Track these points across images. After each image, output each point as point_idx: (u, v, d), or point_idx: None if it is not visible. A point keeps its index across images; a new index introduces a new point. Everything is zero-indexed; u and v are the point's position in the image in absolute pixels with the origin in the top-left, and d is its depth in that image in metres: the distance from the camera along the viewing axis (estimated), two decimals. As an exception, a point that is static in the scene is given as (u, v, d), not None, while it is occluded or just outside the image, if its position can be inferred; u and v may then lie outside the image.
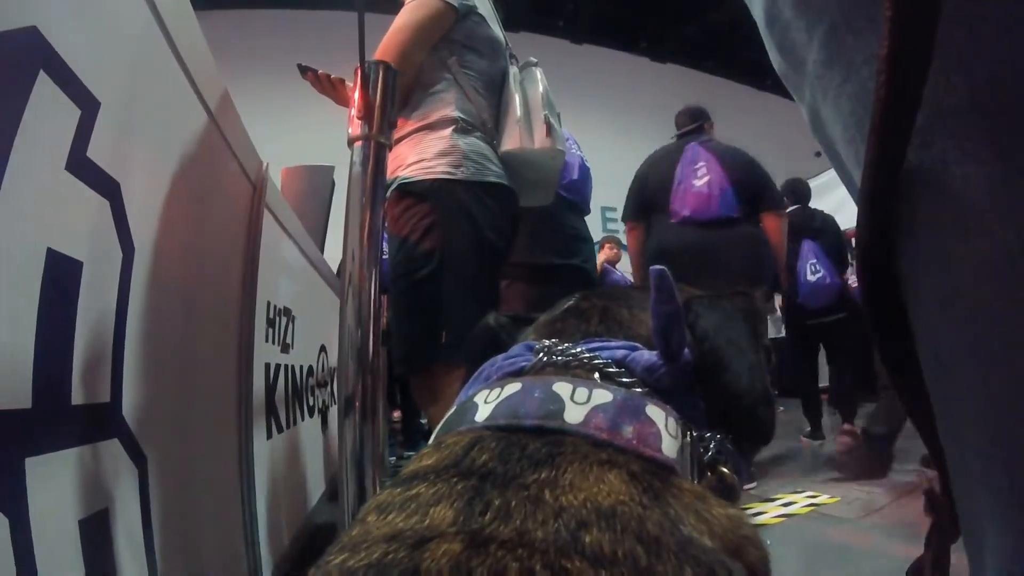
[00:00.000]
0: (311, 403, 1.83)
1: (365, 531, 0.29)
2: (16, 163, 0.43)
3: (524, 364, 0.44)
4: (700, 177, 2.48)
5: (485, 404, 0.38)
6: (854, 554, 1.69)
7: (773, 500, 2.30)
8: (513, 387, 0.39)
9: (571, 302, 0.53)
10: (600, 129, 4.47)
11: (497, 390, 0.39)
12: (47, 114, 0.47)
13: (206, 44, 0.84)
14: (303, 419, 1.68)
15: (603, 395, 0.37)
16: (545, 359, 0.44)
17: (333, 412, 2.17)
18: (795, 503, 2.25)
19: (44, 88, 0.47)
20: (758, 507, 2.20)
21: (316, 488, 1.83)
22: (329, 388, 2.08)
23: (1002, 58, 0.23)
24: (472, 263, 1.39)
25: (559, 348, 0.44)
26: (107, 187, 0.59)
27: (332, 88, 1.53)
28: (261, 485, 1.13)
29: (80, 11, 0.53)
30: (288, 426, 1.47)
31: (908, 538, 1.68)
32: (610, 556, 0.26)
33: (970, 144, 0.24)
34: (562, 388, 0.37)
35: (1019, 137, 0.22)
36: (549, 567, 0.25)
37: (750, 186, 2.48)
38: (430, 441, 0.40)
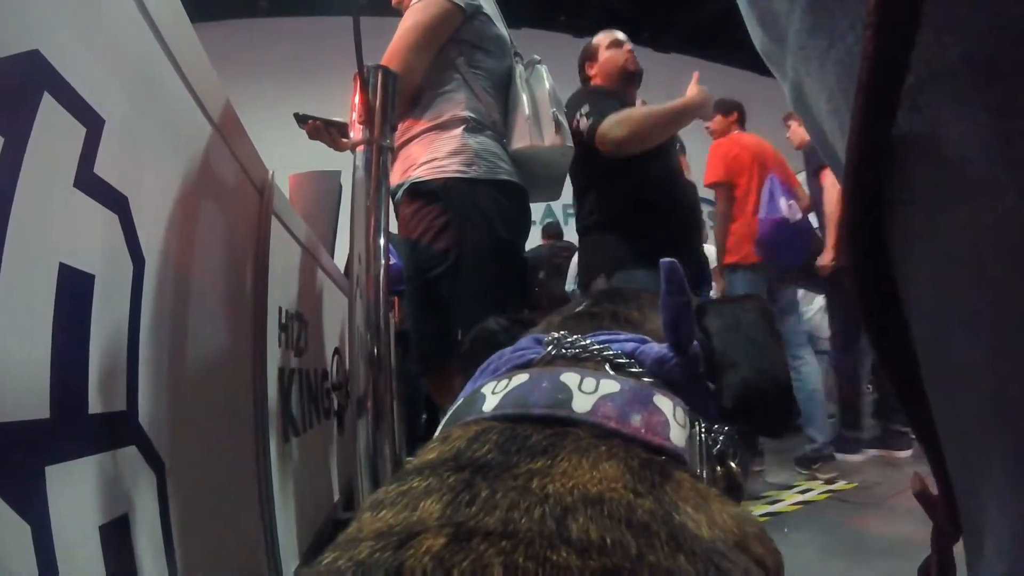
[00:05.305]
0: (326, 406, 1.85)
1: (358, 528, 0.30)
2: (26, 182, 0.45)
3: (533, 356, 0.44)
4: None
5: (493, 395, 0.38)
6: (873, 540, 1.67)
7: (790, 488, 2.29)
8: (521, 377, 0.39)
9: (581, 307, 0.53)
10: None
11: (505, 381, 0.39)
12: (53, 133, 0.49)
13: (206, 56, 0.86)
14: (319, 422, 1.70)
15: (611, 385, 0.37)
16: (554, 351, 0.44)
17: (349, 414, 2.19)
18: (812, 490, 2.24)
19: (49, 108, 0.48)
20: (775, 495, 2.20)
21: (335, 489, 1.85)
22: (343, 390, 2.11)
23: (999, 11, 0.21)
24: (486, 261, 1.40)
25: (568, 340, 0.44)
26: (115, 201, 0.61)
27: (329, 138, 1.49)
28: (279, 487, 1.14)
29: (80, 32, 0.54)
30: (304, 429, 1.49)
31: (929, 523, 1.64)
32: (598, 544, 0.26)
33: (964, 104, 0.22)
34: (570, 378, 0.37)
35: (1018, 92, 0.21)
36: (533, 558, 0.24)
37: None
38: (435, 435, 0.39)
